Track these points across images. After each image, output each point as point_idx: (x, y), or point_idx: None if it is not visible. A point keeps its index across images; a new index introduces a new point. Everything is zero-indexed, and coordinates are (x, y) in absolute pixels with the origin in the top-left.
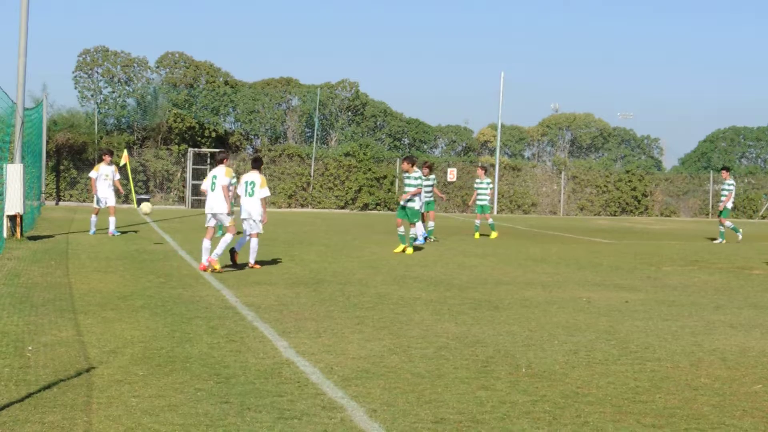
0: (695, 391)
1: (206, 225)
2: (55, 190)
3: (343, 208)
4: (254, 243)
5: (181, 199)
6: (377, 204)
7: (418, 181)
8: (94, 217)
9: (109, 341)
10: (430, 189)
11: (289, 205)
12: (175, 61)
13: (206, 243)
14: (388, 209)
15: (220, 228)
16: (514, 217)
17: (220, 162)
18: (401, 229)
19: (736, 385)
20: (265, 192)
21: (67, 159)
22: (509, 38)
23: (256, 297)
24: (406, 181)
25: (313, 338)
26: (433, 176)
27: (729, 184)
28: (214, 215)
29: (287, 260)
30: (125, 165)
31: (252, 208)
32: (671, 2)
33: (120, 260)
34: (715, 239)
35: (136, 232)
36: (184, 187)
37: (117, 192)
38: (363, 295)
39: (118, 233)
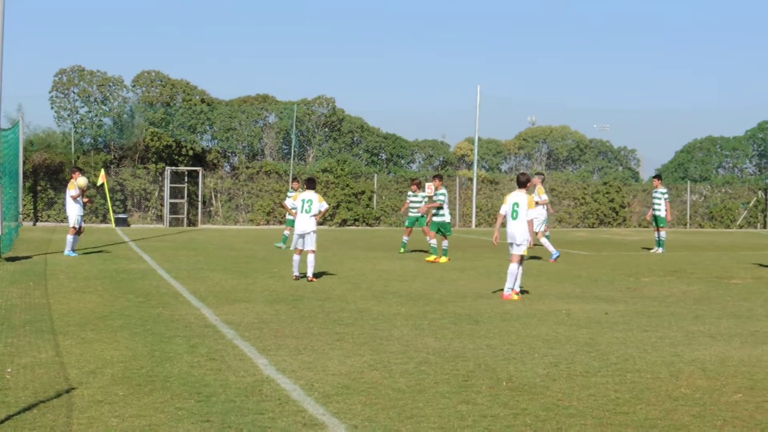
0: (676, 402)
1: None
2: (32, 211)
3: (321, 224)
4: (312, 258)
5: (159, 218)
6: (355, 220)
7: (442, 197)
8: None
9: (88, 362)
10: (417, 205)
11: (268, 222)
12: (152, 79)
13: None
14: (367, 225)
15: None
16: (492, 230)
17: (523, 186)
18: (434, 241)
19: (717, 394)
20: (324, 205)
21: (44, 179)
22: (485, 52)
23: (235, 315)
24: (435, 198)
25: (293, 355)
26: (422, 193)
27: (662, 193)
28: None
29: (266, 277)
30: (103, 184)
31: (308, 225)
32: (647, 13)
33: (99, 280)
34: (652, 248)
35: (105, 252)
36: (161, 205)
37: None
38: (343, 311)
39: (75, 254)
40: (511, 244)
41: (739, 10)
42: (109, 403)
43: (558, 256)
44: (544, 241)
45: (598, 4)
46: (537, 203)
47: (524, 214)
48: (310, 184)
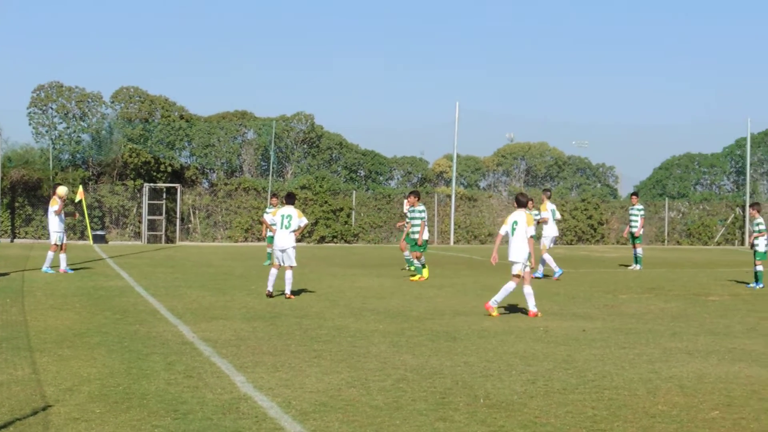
0: (653, 419)
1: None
2: (10, 227)
3: (299, 241)
4: (290, 275)
5: (137, 235)
6: (334, 237)
7: (423, 215)
8: (60, 254)
9: (65, 379)
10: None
11: (246, 239)
12: (130, 95)
13: (527, 289)
14: (345, 242)
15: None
16: (470, 247)
17: (523, 206)
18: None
19: (694, 411)
20: (303, 221)
21: (21, 196)
22: (464, 69)
23: (213, 332)
24: (411, 215)
25: (270, 372)
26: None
27: (638, 209)
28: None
29: (244, 294)
30: (81, 201)
31: (288, 241)
32: (626, 30)
33: (76, 297)
34: (629, 265)
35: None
36: (140, 222)
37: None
38: (320, 328)
39: (52, 271)
40: (510, 261)
41: (718, 28)
42: (86, 420)
43: (561, 274)
44: (547, 257)
45: (577, 19)
46: (537, 221)
47: (523, 232)
48: (290, 199)
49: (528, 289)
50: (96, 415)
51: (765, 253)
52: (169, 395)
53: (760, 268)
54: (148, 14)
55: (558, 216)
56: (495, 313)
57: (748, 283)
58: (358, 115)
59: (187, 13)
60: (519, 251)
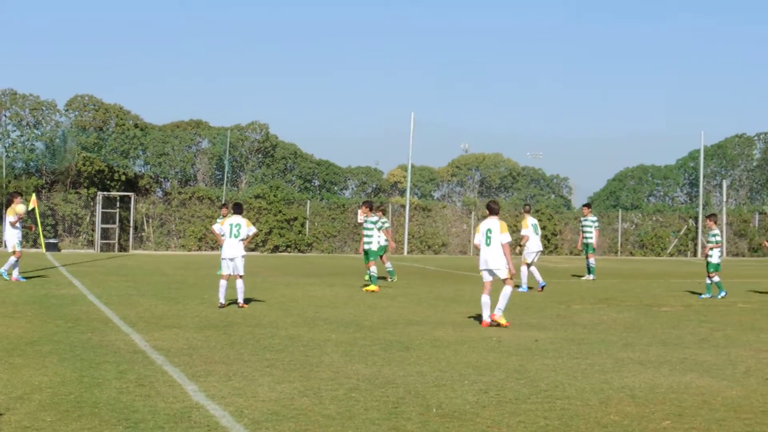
0: (605, 429)
1: (485, 280)
2: None
3: (253, 250)
4: (241, 283)
5: (91, 243)
6: (288, 246)
7: (379, 224)
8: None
9: (16, 387)
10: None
11: (200, 248)
12: (85, 104)
13: (485, 299)
14: (299, 251)
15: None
16: (424, 257)
17: (495, 214)
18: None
19: (645, 421)
20: (252, 229)
21: None
22: (419, 79)
23: (165, 341)
24: (366, 224)
25: (223, 381)
26: (384, 218)
27: (592, 221)
28: (490, 271)
29: (197, 303)
30: (34, 209)
31: (237, 250)
32: (580, 42)
33: (27, 305)
34: (582, 276)
35: (42, 276)
36: (93, 230)
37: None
38: (273, 338)
39: (12, 277)
40: (489, 270)
41: (672, 42)
42: (37, 429)
43: (544, 286)
44: (533, 269)
45: (530, 33)
46: (519, 242)
47: (497, 239)
48: (237, 209)
49: (486, 299)
50: (47, 423)
51: (718, 264)
52: (121, 404)
53: (716, 278)
54: (103, 22)
55: (539, 232)
56: (504, 321)
57: (700, 294)
58: (313, 125)
59: (142, 22)
60: (498, 259)
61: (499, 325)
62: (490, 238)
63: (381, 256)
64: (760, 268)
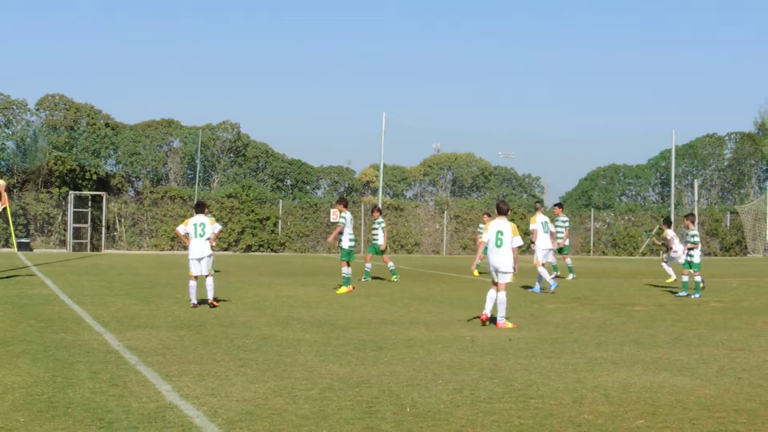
0: (579, 428)
1: (493, 279)
2: None
3: (226, 249)
4: (210, 281)
5: (63, 243)
6: (260, 245)
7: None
8: None
9: None
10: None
11: (172, 248)
12: (56, 103)
13: (492, 293)
14: (271, 251)
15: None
16: (397, 256)
17: (503, 214)
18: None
19: (619, 420)
20: (217, 227)
21: None
22: (391, 78)
23: (138, 341)
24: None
25: (196, 381)
26: (380, 219)
27: (563, 221)
28: (497, 270)
29: (170, 303)
30: (5, 209)
31: (204, 249)
32: (551, 42)
33: (0, 305)
34: (565, 277)
35: (11, 277)
36: (65, 230)
37: None
38: (247, 337)
39: None
40: (496, 271)
41: (643, 43)
42: (10, 429)
43: (556, 287)
44: (542, 270)
45: (502, 32)
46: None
47: (509, 242)
48: (200, 208)
49: (493, 294)
50: (20, 423)
51: (699, 264)
52: (94, 404)
53: (698, 278)
54: (73, 21)
55: (552, 228)
56: (511, 325)
57: (676, 293)
58: (285, 124)
59: (112, 21)
60: (506, 261)
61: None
62: (501, 240)
63: (383, 256)
64: (732, 267)
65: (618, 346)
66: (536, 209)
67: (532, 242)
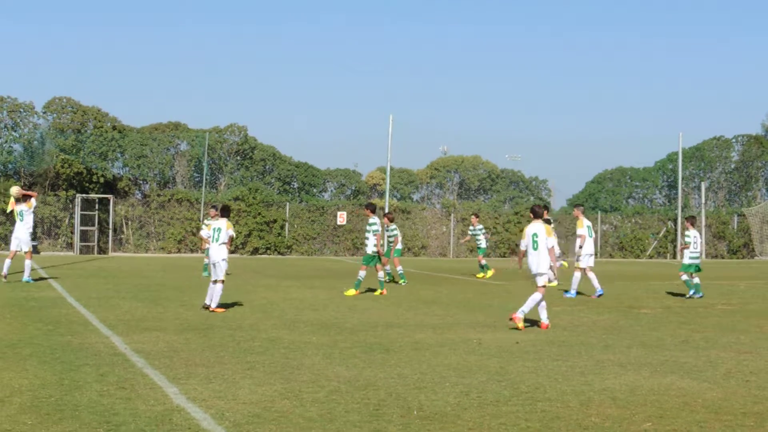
0: (586, 431)
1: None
2: None
3: (233, 252)
4: (219, 288)
5: (69, 245)
6: (267, 248)
7: (375, 227)
8: (6, 260)
9: None
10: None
11: (179, 250)
12: (63, 106)
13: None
14: (278, 253)
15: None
16: (404, 259)
17: (538, 217)
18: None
19: (626, 423)
20: (230, 232)
21: None
22: (397, 81)
23: (145, 343)
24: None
25: (203, 384)
26: (393, 225)
27: (479, 229)
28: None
29: (177, 305)
30: (12, 212)
31: (217, 254)
32: (557, 44)
33: (7, 308)
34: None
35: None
36: (72, 233)
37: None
38: (254, 340)
39: (31, 280)
40: (533, 274)
41: (651, 45)
42: None
43: (601, 294)
44: (591, 275)
45: (509, 34)
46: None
47: (544, 243)
48: (224, 212)
49: (541, 300)
50: (27, 426)
51: (689, 265)
52: (102, 407)
53: (696, 280)
54: (81, 24)
55: (593, 234)
56: (521, 325)
57: (684, 295)
58: (292, 127)
59: (119, 24)
60: (543, 263)
61: (517, 328)
62: (537, 242)
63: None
64: (739, 269)
65: (625, 349)
66: (581, 212)
67: (580, 247)
